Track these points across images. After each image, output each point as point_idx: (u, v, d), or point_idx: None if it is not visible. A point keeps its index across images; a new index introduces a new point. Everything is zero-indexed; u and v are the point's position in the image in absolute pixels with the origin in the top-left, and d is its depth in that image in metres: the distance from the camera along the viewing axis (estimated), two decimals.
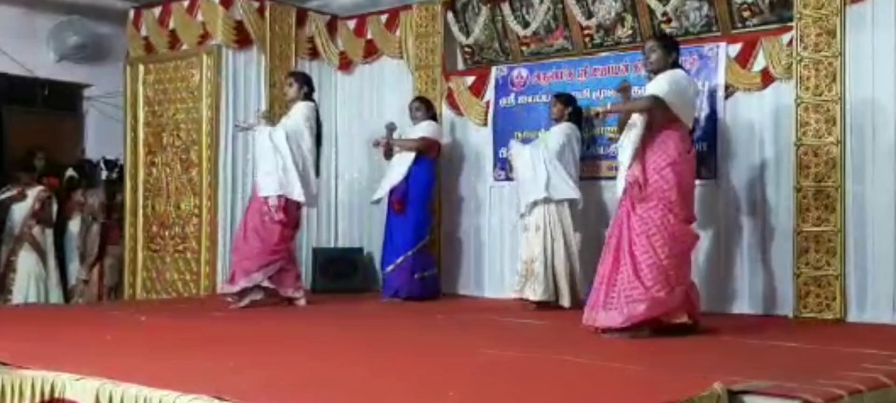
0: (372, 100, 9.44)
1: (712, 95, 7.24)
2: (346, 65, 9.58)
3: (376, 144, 8.40)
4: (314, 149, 7.61)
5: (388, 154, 8.33)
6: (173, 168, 9.08)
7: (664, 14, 7.57)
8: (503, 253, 8.48)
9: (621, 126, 5.99)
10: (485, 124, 8.61)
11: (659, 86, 5.73)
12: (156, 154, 9.22)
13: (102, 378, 3.84)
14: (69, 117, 10.72)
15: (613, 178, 6.68)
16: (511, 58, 8.61)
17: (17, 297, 9.24)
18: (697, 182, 6.32)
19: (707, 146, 7.20)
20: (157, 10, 9.29)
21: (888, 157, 6.53)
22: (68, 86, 10.56)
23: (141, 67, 9.37)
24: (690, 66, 7.16)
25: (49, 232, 9.55)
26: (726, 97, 7.23)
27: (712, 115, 7.22)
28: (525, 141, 8.11)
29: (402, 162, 8.17)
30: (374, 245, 9.13)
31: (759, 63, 7.10)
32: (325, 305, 7.80)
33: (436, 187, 8.49)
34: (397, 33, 9.16)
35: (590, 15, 7.96)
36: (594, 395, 3.95)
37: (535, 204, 7.44)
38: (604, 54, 7.99)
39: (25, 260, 9.35)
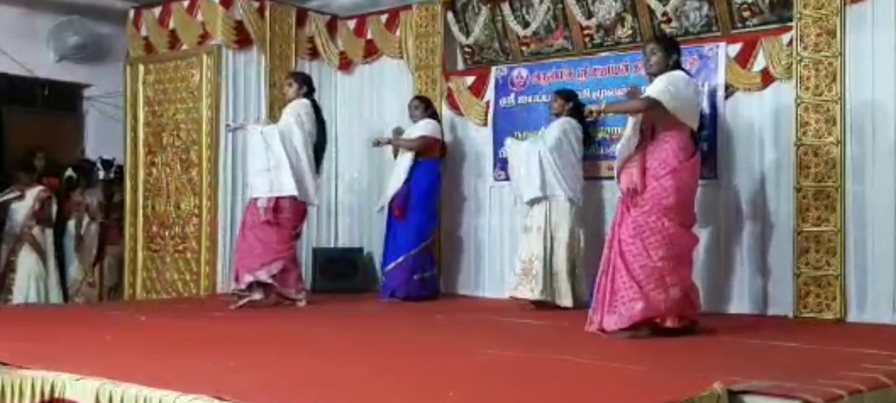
0: (372, 100, 9.44)
1: (712, 95, 7.24)
2: (346, 65, 9.58)
3: (376, 144, 8.39)
4: (308, 145, 7.53)
5: (397, 152, 8.31)
6: (173, 168, 9.08)
7: (664, 14, 7.57)
8: (503, 253, 8.48)
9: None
10: (485, 124, 8.61)
11: (656, 88, 5.71)
12: (156, 154, 9.22)
13: (102, 378, 3.84)
14: (69, 117, 10.71)
15: (613, 178, 6.67)
16: (511, 58, 8.60)
17: (17, 297, 9.25)
18: (697, 182, 6.31)
19: (707, 146, 7.18)
20: (157, 10, 9.29)
21: (888, 157, 6.53)
22: (68, 86, 10.56)
23: (141, 67, 9.38)
24: (690, 66, 7.15)
25: (49, 232, 9.55)
26: (726, 97, 7.23)
27: (712, 115, 7.22)
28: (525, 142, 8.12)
29: (402, 165, 8.15)
30: (374, 245, 9.13)
31: (759, 63, 7.10)
32: (325, 305, 7.80)
33: (440, 189, 8.43)
34: (397, 33, 9.16)
35: (590, 15, 7.96)
36: (594, 395, 3.95)
37: (533, 202, 7.43)
38: (604, 54, 7.99)
39: (25, 260, 9.35)
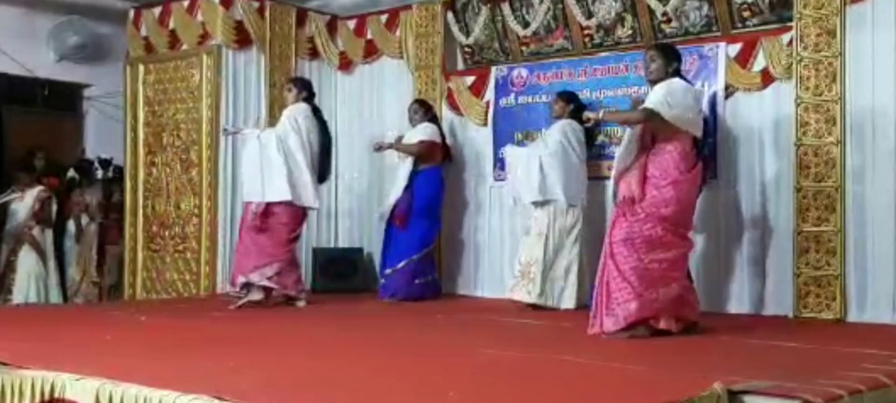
0: (372, 101, 9.44)
1: (712, 95, 7.24)
2: (346, 65, 9.57)
3: (378, 149, 8.37)
4: (306, 149, 7.48)
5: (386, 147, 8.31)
6: (173, 168, 9.08)
7: (664, 14, 7.57)
8: (503, 253, 8.48)
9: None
10: (485, 124, 8.61)
11: (653, 98, 5.69)
12: (156, 154, 9.22)
13: (102, 378, 3.84)
14: (69, 117, 10.71)
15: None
16: (511, 58, 8.60)
17: (17, 297, 9.25)
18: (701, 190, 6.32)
19: (708, 147, 7.18)
20: (157, 10, 9.29)
21: (888, 157, 6.53)
22: (68, 86, 10.56)
23: (141, 67, 9.38)
24: (690, 67, 7.17)
25: (49, 232, 9.55)
26: (726, 97, 7.23)
27: (712, 116, 7.21)
28: (525, 142, 8.13)
29: (402, 172, 8.12)
30: (374, 245, 9.13)
31: (759, 63, 7.10)
32: (325, 305, 7.80)
33: (443, 196, 8.37)
34: (397, 33, 9.15)
35: (590, 15, 7.96)
36: (594, 395, 3.95)
37: (536, 205, 7.42)
38: (604, 54, 7.99)
39: (25, 260, 9.35)
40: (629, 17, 7.83)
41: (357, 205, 9.52)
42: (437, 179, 8.24)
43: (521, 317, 6.92)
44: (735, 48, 7.22)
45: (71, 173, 9.97)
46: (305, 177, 7.49)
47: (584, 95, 7.81)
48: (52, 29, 10.11)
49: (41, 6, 10.04)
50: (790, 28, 6.89)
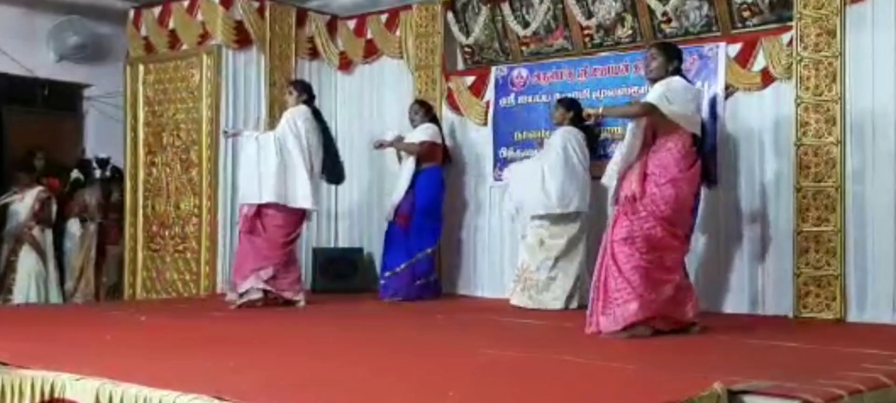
0: (372, 101, 9.44)
1: (712, 95, 7.24)
2: (346, 65, 9.58)
3: (379, 146, 8.36)
4: (304, 152, 7.45)
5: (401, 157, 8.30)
6: (173, 168, 9.08)
7: (664, 14, 7.57)
8: (503, 253, 8.48)
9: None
10: (485, 124, 8.61)
11: (653, 94, 5.71)
12: (156, 154, 9.22)
13: (102, 378, 3.84)
14: (69, 117, 10.71)
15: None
16: (511, 58, 8.60)
17: (17, 297, 9.25)
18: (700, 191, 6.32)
19: (708, 148, 7.18)
20: (156, 10, 9.29)
21: (888, 157, 6.53)
22: (68, 86, 10.55)
23: (141, 67, 9.38)
24: (690, 66, 7.16)
25: (49, 232, 9.55)
26: (726, 97, 7.23)
27: (712, 116, 7.21)
28: (525, 142, 8.12)
29: (404, 172, 8.12)
30: (373, 245, 9.14)
31: (759, 63, 7.10)
32: (325, 305, 7.80)
33: (444, 196, 8.37)
34: (397, 33, 9.15)
35: (590, 15, 7.96)
36: (594, 395, 3.95)
37: (535, 217, 7.40)
38: (604, 54, 7.99)
39: (26, 260, 9.35)
40: (629, 17, 7.83)
41: (357, 206, 9.52)
42: (438, 179, 8.24)
43: (521, 317, 6.92)
44: (735, 48, 7.22)
45: (75, 173, 9.97)
46: (300, 178, 7.44)
47: (583, 95, 7.81)
48: (52, 29, 10.11)
49: (41, 6, 10.04)
50: (790, 28, 6.89)
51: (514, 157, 8.14)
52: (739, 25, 7.40)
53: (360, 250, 9.29)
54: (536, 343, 5.72)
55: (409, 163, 8.12)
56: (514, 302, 7.48)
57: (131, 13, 9.54)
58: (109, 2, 9.98)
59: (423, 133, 8.15)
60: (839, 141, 6.65)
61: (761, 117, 7.12)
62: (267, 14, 9.13)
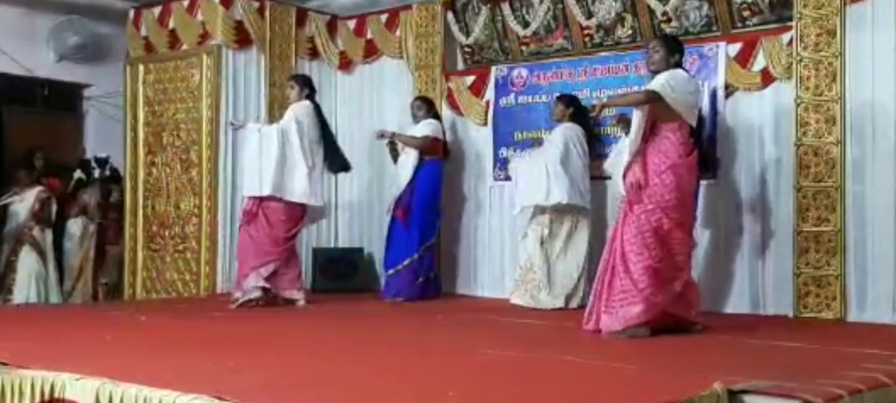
0: (372, 100, 9.44)
1: (712, 95, 7.24)
2: (346, 65, 9.58)
3: (380, 136, 8.35)
4: (306, 147, 7.48)
5: (394, 156, 8.30)
6: (173, 168, 9.08)
7: (664, 14, 7.57)
8: (503, 253, 8.48)
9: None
10: (485, 124, 8.61)
11: (656, 82, 5.74)
12: (156, 154, 9.22)
13: (102, 378, 3.84)
14: (69, 117, 10.71)
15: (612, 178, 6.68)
16: (511, 58, 8.60)
17: (17, 297, 9.24)
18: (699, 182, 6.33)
19: (707, 145, 7.18)
20: (156, 10, 9.29)
21: (888, 157, 6.53)
22: (68, 86, 10.55)
23: (141, 67, 9.38)
24: (690, 66, 7.15)
25: (48, 232, 9.55)
26: (726, 97, 7.23)
27: (712, 115, 7.22)
28: (525, 142, 8.12)
29: (407, 165, 8.13)
30: (374, 245, 9.14)
31: (759, 63, 7.10)
32: (325, 305, 7.80)
33: (442, 190, 8.41)
34: (397, 33, 9.15)
35: (590, 15, 7.96)
36: (594, 395, 3.95)
37: (537, 210, 7.41)
38: (604, 54, 7.99)
39: (26, 260, 9.35)
40: (629, 17, 7.83)
41: (357, 205, 9.52)
42: (437, 173, 8.27)
43: (521, 317, 6.92)
44: (735, 48, 7.22)
45: (78, 174, 9.97)
46: (299, 173, 7.46)
47: (583, 95, 7.81)
48: (52, 29, 10.10)
49: (41, 6, 10.04)
50: (790, 28, 6.89)
51: (515, 157, 8.12)
52: (739, 25, 7.40)
53: (360, 250, 9.30)
54: (536, 343, 5.72)
55: (412, 158, 8.13)
56: (514, 301, 7.49)
57: (131, 13, 9.54)
58: (109, 2, 9.98)
59: (426, 128, 8.17)
60: (839, 141, 6.65)
61: (761, 117, 7.13)
62: (267, 14, 9.13)
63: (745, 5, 7.31)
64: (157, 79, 9.25)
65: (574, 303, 7.30)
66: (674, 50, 5.89)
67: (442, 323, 6.84)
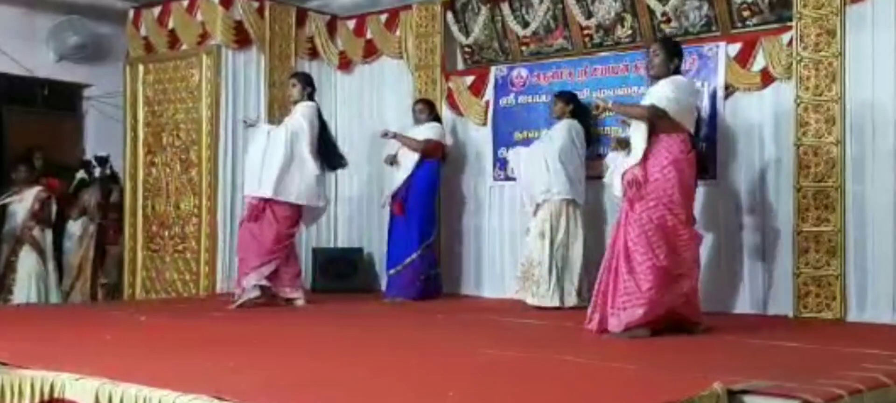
0: (372, 100, 9.44)
1: (712, 95, 7.24)
2: (345, 65, 9.57)
3: (384, 135, 8.35)
4: (313, 148, 7.52)
5: (391, 162, 8.29)
6: (173, 168, 9.08)
7: (664, 14, 7.57)
8: (503, 252, 8.49)
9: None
10: (484, 124, 8.61)
11: (660, 95, 5.73)
12: (155, 154, 9.22)
13: (102, 378, 3.84)
14: (69, 117, 10.71)
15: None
16: (511, 58, 8.61)
17: (18, 297, 9.23)
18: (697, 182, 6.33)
19: (707, 146, 7.19)
20: (156, 10, 9.29)
21: (888, 157, 6.53)
22: (68, 86, 10.55)
23: (141, 67, 9.38)
24: (690, 66, 7.17)
25: (48, 232, 9.54)
26: (726, 97, 7.23)
27: (712, 115, 7.22)
28: (525, 141, 8.12)
29: (407, 164, 8.15)
30: (373, 245, 9.14)
31: (759, 63, 7.10)
32: (325, 305, 7.80)
33: (439, 189, 8.46)
34: (397, 33, 9.15)
35: (589, 15, 7.96)
36: (594, 395, 3.95)
37: (539, 205, 7.43)
38: (603, 54, 7.99)
39: (26, 260, 9.33)
40: (629, 17, 7.83)
41: (356, 205, 9.52)
42: (435, 171, 8.29)
43: (521, 317, 6.92)
44: (735, 48, 7.22)
45: (81, 174, 9.96)
46: (310, 173, 7.50)
47: (583, 95, 7.81)
48: (51, 29, 10.10)
49: (41, 6, 10.04)
50: (790, 28, 6.89)
51: (512, 152, 8.09)
52: (739, 25, 7.40)
53: (359, 250, 9.30)
54: (536, 343, 5.72)
55: (413, 158, 8.13)
56: (530, 301, 7.44)
57: (131, 13, 9.53)
58: (109, 2, 9.98)
59: (429, 131, 8.19)
60: (839, 141, 6.65)
61: (761, 117, 7.13)
62: (267, 14, 9.12)
63: (744, 5, 7.31)
64: (157, 79, 9.25)
65: (572, 301, 7.31)
66: (674, 54, 5.90)
67: (442, 322, 6.84)
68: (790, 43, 6.89)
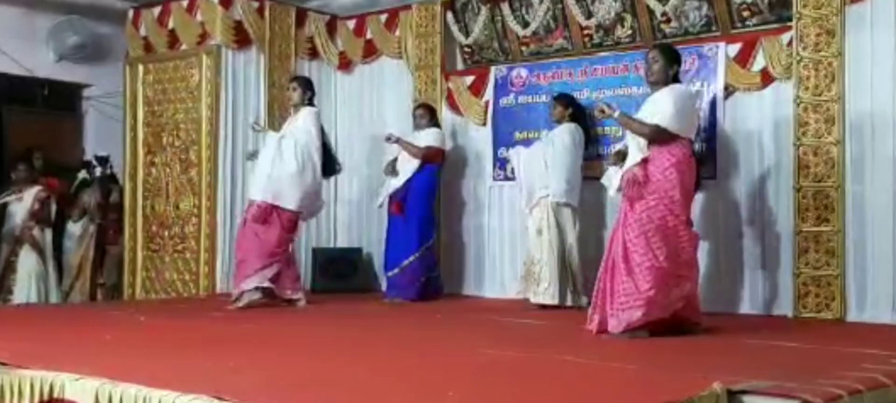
0: (372, 101, 9.44)
1: (712, 96, 7.24)
2: (345, 65, 9.57)
3: (389, 139, 8.34)
4: (318, 155, 7.58)
5: (390, 171, 8.29)
6: (173, 168, 9.08)
7: (664, 14, 7.57)
8: (503, 252, 8.49)
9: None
10: (484, 124, 8.61)
11: (664, 112, 5.69)
12: (155, 154, 9.22)
13: (102, 378, 3.84)
14: (69, 117, 10.71)
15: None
16: (511, 58, 8.61)
17: (18, 297, 9.23)
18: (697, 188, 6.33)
19: (706, 146, 7.20)
20: (156, 10, 9.29)
21: (888, 157, 6.53)
22: (68, 86, 10.55)
23: (140, 67, 9.37)
24: (690, 67, 7.17)
25: (48, 232, 9.54)
26: (726, 97, 7.24)
27: (712, 116, 7.22)
28: (525, 142, 8.12)
29: (407, 169, 8.15)
30: (373, 245, 9.14)
31: (759, 63, 7.11)
32: (325, 305, 7.80)
33: (438, 192, 8.46)
34: (397, 33, 9.15)
35: (589, 15, 7.96)
36: (594, 395, 3.95)
37: (537, 203, 7.44)
38: (603, 54, 7.99)
39: (26, 260, 9.32)
40: (629, 17, 7.83)
41: (356, 205, 9.52)
42: (435, 175, 8.30)
43: (521, 317, 6.92)
44: (735, 48, 7.22)
45: (83, 174, 9.96)
46: (316, 179, 7.59)
47: (583, 95, 7.82)
48: (51, 29, 10.10)
49: (41, 6, 10.04)
50: (790, 28, 6.89)
51: (512, 151, 8.09)
52: (739, 25, 7.40)
53: (359, 250, 9.30)
54: (536, 343, 5.72)
55: (413, 164, 8.13)
56: (529, 297, 7.45)
57: (131, 13, 9.53)
58: (109, 2, 9.98)
59: (430, 137, 8.19)
60: (839, 141, 6.65)
61: (761, 117, 7.13)
62: (266, 14, 9.12)
63: (744, 5, 7.31)
64: (157, 79, 9.25)
65: (568, 301, 7.33)
66: (673, 60, 5.88)
67: (442, 322, 6.84)
68: (790, 43, 6.89)
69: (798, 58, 6.80)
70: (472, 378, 4.24)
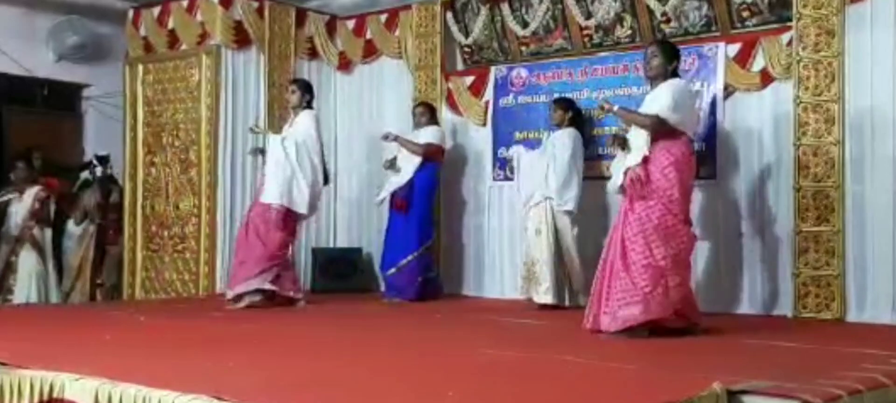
0: (371, 101, 9.44)
1: (712, 96, 7.24)
2: (345, 65, 9.57)
3: (386, 137, 8.35)
4: (319, 158, 7.61)
5: (389, 166, 8.30)
6: (172, 168, 9.08)
7: (663, 14, 7.57)
8: (503, 252, 8.49)
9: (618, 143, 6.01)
10: (484, 124, 8.61)
11: (663, 104, 5.71)
12: (155, 154, 9.22)
13: (102, 378, 3.84)
14: (68, 117, 10.70)
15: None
16: (510, 58, 8.61)
17: (18, 297, 9.23)
18: (697, 182, 6.33)
19: (706, 146, 7.20)
20: (156, 10, 9.29)
21: (887, 157, 6.54)
22: (68, 86, 10.55)
23: (140, 67, 9.37)
24: (690, 67, 7.18)
25: (47, 232, 9.53)
26: (725, 97, 7.24)
27: (711, 116, 7.22)
28: (525, 142, 8.13)
29: (408, 167, 8.15)
30: (373, 245, 9.13)
31: (759, 63, 7.11)
32: (325, 305, 7.80)
33: (438, 191, 8.48)
34: (397, 33, 9.15)
35: (589, 15, 7.96)
36: (594, 395, 3.95)
37: (536, 203, 7.44)
38: (603, 54, 7.99)
39: (26, 260, 9.32)
40: (628, 17, 7.83)
41: (356, 205, 9.52)
42: (434, 174, 8.31)
43: (521, 317, 6.92)
44: (734, 48, 7.22)
45: (86, 175, 9.96)
46: (319, 183, 7.64)
47: (583, 95, 7.82)
48: (51, 29, 10.10)
49: (41, 6, 10.03)
50: (789, 28, 6.89)
51: (514, 149, 8.09)
52: (739, 25, 7.40)
53: (359, 250, 9.30)
54: (536, 343, 5.72)
55: (414, 162, 8.14)
56: (531, 297, 7.45)
57: (130, 13, 9.53)
58: (109, 2, 9.98)
59: (430, 135, 8.20)
60: (839, 141, 6.65)
61: (761, 117, 7.13)
62: (266, 14, 9.12)
63: (744, 5, 7.31)
64: (157, 79, 9.25)
65: (567, 302, 7.34)
66: (672, 56, 5.90)
67: (441, 322, 6.85)
68: (790, 43, 6.89)
69: (798, 58, 6.80)
70: (472, 378, 4.24)
